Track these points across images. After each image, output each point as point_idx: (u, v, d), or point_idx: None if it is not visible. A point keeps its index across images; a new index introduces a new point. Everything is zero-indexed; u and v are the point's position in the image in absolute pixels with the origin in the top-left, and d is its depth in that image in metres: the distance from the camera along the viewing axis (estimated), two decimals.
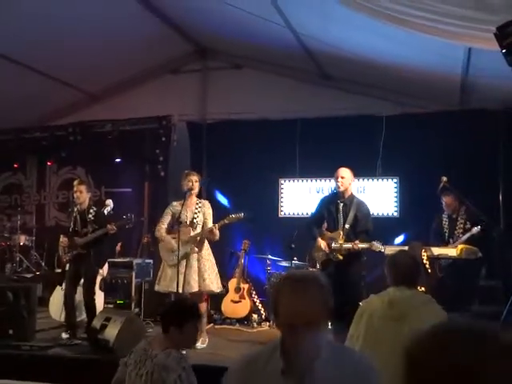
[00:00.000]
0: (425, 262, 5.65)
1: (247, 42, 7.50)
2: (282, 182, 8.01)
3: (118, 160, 8.32)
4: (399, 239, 7.12)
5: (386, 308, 2.88)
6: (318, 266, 5.73)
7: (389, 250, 5.52)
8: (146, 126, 8.14)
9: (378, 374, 1.83)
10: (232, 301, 6.93)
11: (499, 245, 6.28)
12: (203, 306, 5.63)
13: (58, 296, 6.33)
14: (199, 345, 5.45)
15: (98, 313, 5.63)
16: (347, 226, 5.37)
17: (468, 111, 7.04)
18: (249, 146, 7.94)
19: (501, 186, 7.03)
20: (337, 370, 1.76)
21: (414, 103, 7.34)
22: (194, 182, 5.58)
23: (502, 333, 0.99)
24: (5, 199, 9.50)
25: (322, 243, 5.37)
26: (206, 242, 5.63)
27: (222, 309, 6.92)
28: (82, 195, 5.89)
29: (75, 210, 5.96)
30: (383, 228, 6.10)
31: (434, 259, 5.83)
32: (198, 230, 5.59)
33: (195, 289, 5.42)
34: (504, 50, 3.63)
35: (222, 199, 8.20)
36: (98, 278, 6.32)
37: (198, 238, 5.53)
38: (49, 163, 9.21)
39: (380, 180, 7.56)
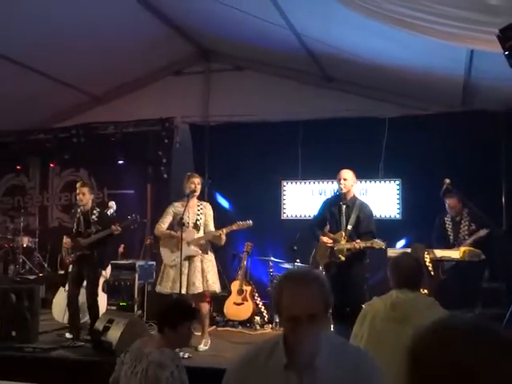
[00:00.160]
0: (427, 264, 5.65)
1: (249, 44, 7.52)
2: (285, 183, 8.01)
3: (120, 162, 8.34)
4: (402, 241, 7.10)
5: (389, 310, 2.88)
6: (320, 268, 5.73)
7: (391, 253, 5.53)
8: (149, 128, 8.16)
9: (380, 372, 1.84)
10: (235, 303, 6.93)
11: (502, 247, 6.27)
12: (205, 307, 5.64)
13: (61, 298, 6.33)
14: (202, 347, 5.45)
15: (100, 315, 5.64)
16: (349, 227, 5.37)
17: (470, 113, 7.04)
18: (251, 148, 7.95)
19: (503, 188, 7.03)
20: (338, 368, 1.80)
21: (416, 105, 7.35)
22: (197, 184, 5.59)
23: (504, 331, 0.99)
24: (8, 201, 9.53)
25: (324, 238, 5.37)
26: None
27: (225, 311, 6.92)
28: (85, 197, 5.90)
29: (78, 211, 5.96)
30: (385, 230, 6.09)
31: (436, 261, 5.82)
32: (202, 231, 5.60)
33: (200, 290, 5.43)
34: (506, 52, 3.63)
35: (223, 201, 8.21)
36: (101, 280, 6.33)
37: (203, 242, 5.54)
38: (52, 165, 9.23)
39: (382, 182, 7.56)
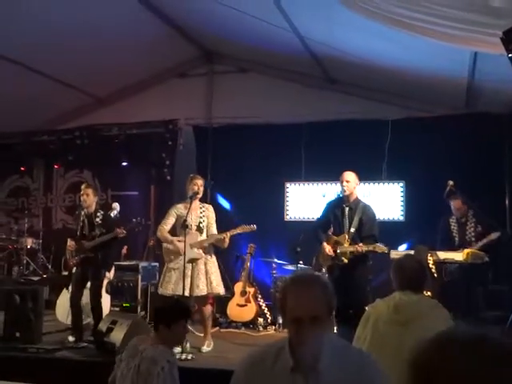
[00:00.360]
0: (431, 266, 5.63)
1: (253, 46, 7.53)
2: (288, 185, 8.02)
3: (124, 163, 8.37)
4: (405, 243, 7.09)
5: (392, 313, 2.88)
6: (323, 270, 5.73)
7: (394, 255, 5.52)
8: (153, 130, 8.17)
9: (383, 375, 1.85)
10: (238, 304, 6.93)
11: (506, 249, 6.25)
12: (208, 309, 5.64)
13: (64, 299, 6.34)
14: (205, 348, 5.45)
15: (104, 316, 5.65)
16: (352, 229, 5.37)
17: (473, 115, 7.03)
18: (255, 150, 7.96)
19: (507, 189, 7.02)
20: (341, 371, 1.81)
21: (419, 107, 7.34)
22: (200, 185, 5.59)
23: (507, 343, 1.00)
24: (12, 202, 9.57)
25: (327, 247, 5.38)
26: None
27: (228, 312, 6.93)
28: (89, 198, 5.91)
29: (82, 213, 5.97)
30: (389, 232, 6.09)
31: (440, 263, 5.81)
32: (204, 234, 5.60)
33: (204, 292, 5.43)
34: (510, 55, 3.63)
35: (224, 203, 8.22)
36: (105, 281, 6.34)
37: (206, 245, 5.54)
38: (56, 166, 9.27)
39: (386, 184, 7.55)
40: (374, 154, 7.34)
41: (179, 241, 5.47)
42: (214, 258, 5.64)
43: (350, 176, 5.45)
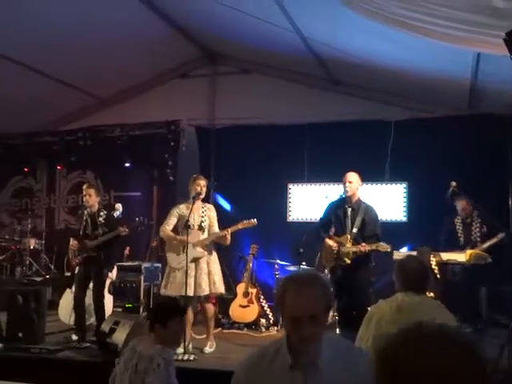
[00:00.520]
0: (434, 267, 5.63)
1: (255, 47, 7.53)
2: (291, 186, 8.02)
3: (127, 164, 8.38)
4: (407, 245, 7.08)
5: (395, 313, 2.88)
6: (326, 271, 5.72)
7: (397, 256, 5.52)
8: (155, 131, 8.18)
9: None
10: (240, 305, 6.93)
11: (510, 249, 6.23)
12: (211, 309, 5.63)
13: (67, 299, 6.36)
14: (207, 349, 5.46)
15: (106, 316, 5.66)
16: (355, 230, 5.37)
17: (476, 116, 7.02)
18: (257, 151, 7.97)
19: (510, 190, 7.01)
20: (344, 371, 1.83)
21: (422, 108, 7.34)
22: (202, 186, 5.60)
23: (464, 335, 1.04)
24: (15, 203, 9.59)
25: (330, 241, 5.37)
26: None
27: (230, 313, 6.93)
28: (91, 199, 5.92)
29: (85, 212, 5.99)
30: (391, 233, 6.08)
31: (443, 264, 5.80)
32: (206, 233, 5.62)
33: (207, 292, 5.43)
34: None
35: (224, 203, 8.22)
36: (107, 282, 6.35)
37: (208, 242, 5.55)
38: (59, 167, 9.29)
39: (388, 185, 7.55)
40: (377, 154, 7.34)
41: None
42: (215, 256, 5.64)
43: (352, 177, 5.45)
